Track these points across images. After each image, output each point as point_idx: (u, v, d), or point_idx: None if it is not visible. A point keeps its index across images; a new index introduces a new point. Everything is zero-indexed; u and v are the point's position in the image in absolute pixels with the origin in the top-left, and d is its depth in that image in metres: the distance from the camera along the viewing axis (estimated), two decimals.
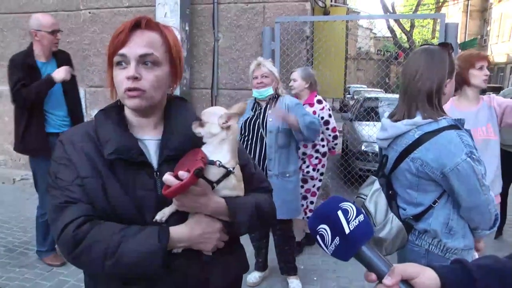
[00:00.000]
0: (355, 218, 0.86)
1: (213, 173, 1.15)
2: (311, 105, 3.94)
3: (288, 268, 3.45)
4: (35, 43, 3.45)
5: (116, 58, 1.13)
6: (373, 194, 2.00)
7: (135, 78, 1.11)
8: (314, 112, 3.86)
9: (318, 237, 0.89)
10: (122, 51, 1.12)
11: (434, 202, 1.84)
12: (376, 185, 2.01)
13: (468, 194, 1.72)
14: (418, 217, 1.87)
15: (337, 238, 0.86)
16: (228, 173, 1.17)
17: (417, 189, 1.87)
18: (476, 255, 1.96)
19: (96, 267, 1.06)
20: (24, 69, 3.31)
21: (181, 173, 1.05)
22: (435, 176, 1.77)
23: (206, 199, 1.14)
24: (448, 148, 1.72)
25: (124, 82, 1.12)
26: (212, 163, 1.13)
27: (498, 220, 1.81)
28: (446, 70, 1.81)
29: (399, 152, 1.87)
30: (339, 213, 0.87)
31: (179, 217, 1.15)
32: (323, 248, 0.89)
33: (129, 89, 1.12)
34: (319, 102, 3.98)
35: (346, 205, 0.89)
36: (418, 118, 1.80)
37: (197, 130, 1.19)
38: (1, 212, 5.00)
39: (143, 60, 1.13)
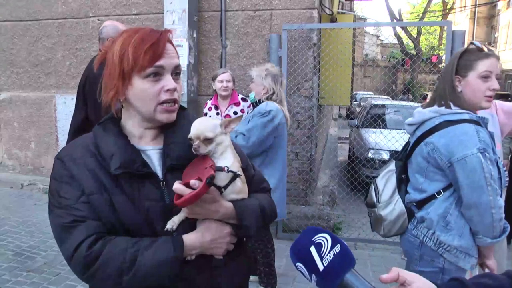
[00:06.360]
0: (329, 252, 0.84)
1: (221, 179, 1.16)
2: (237, 104, 3.99)
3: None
4: None
5: (150, 70, 1.10)
6: (386, 173, 2.08)
7: (175, 90, 1.13)
8: (242, 111, 3.94)
9: (300, 272, 0.87)
10: (160, 62, 1.11)
11: (439, 193, 1.86)
12: (392, 166, 2.08)
13: (471, 189, 1.71)
14: (420, 204, 1.90)
15: (313, 275, 0.84)
16: (235, 177, 1.18)
17: (425, 175, 1.89)
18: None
19: (113, 284, 1.05)
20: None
21: (193, 182, 1.06)
22: (443, 164, 1.80)
23: (216, 205, 1.15)
24: (461, 138, 1.74)
25: (161, 94, 1.12)
26: (221, 169, 1.14)
27: (506, 231, 1.78)
28: (452, 67, 1.88)
29: (418, 136, 1.92)
30: (312, 249, 0.84)
31: (187, 224, 1.16)
32: (308, 280, 0.87)
33: (168, 101, 1.13)
34: (244, 100, 4.04)
35: (320, 237, 0.86)
36: (442, 108, 1.86)
37: (208, 149, 1.15)
38: (9, 216, 5.03)
39: (175, 71, 1.15)
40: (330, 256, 0.83)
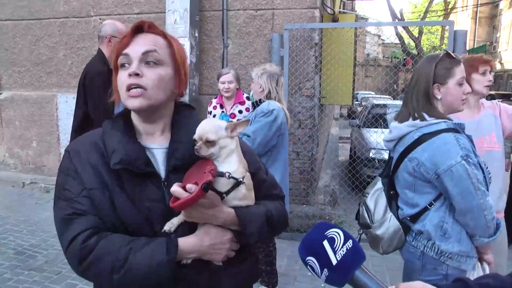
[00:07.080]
0: (342, 246, 0.83)
1: (223, 184, 1.13)
2: (242, 103, 3.97)
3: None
4: (108, 48, 3.25)
5: (120, 60, 1.14)
6: (374, 192, 2.09)
7: (136, 75, 1.10)
8: (248, 109, 3.91)
9: (308, 267, 0.86)
10: (125, 51, 1.13)
11: (430, 204, 1.87)
12: (379, 184, 2.09)
13: (461, 197, 1.75)
14: (414, 218, 1.91)
15: (325, 269, 0.83)
16: (238, 183, 1.14)
17: (414, 189, 1.91)
18: (486, 268, 1.94)
19: (104, 280, 1.05)
20: (105, 78, 3.02)
21: (189, 186, 1.03)
22: (430, 177, 1.81)
23: (215, 211, 1.12)
24: (443, 150, 1.76)
25: (125, 81, 1.11)
26: (222, 175, 1.11)
27: (499, 229, 1.81)
28: (430, 74, 1.88)
29: (400, 152, 1.93)
30: (325, 243, 0.84)
31: (188, 227, 1.13)
32: (317, 276, 0.86)
33: (130, 87, 1.10)
34: (249, 99, 3.98)
35: (333, 232, 0.85)
36: (418, 120, 1.87)
37: (209, 151, 1.13)
38: (10, 215, 5.04)
39: (145, 59, 1.12)
40: (343, 251, 0.83)
